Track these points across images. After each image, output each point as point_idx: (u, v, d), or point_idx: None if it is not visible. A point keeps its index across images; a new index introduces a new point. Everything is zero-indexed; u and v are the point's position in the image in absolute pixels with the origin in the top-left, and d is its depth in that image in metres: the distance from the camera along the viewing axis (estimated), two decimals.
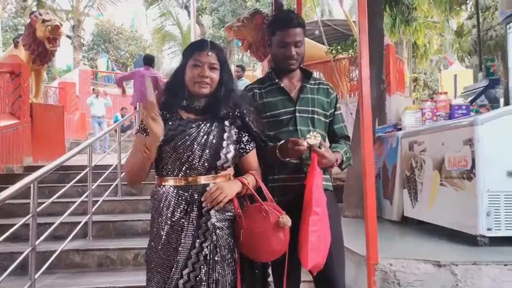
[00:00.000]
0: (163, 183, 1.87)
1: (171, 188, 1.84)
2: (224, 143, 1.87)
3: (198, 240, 1.80)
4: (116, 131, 8.52)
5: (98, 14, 25.67)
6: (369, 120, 2.73)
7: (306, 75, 2.19)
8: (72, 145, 10.28)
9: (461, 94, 6.79)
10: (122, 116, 13.07)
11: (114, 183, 5.38)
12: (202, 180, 1.83)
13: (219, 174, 1.86)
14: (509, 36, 6.65)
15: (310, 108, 2.11)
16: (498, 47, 9.80)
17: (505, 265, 2.67)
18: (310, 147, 1.94)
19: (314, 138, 1.93)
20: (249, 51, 8.80)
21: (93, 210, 4.40)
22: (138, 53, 24.78)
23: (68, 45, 22.47)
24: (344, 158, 2.11)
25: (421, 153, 4.01)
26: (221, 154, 1.85)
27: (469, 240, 3.18)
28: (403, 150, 4.38)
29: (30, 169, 6.05)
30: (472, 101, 5.23)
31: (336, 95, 2.24)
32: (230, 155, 1.87)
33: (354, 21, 10.09)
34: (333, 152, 2.06)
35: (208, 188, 1.81)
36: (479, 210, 3.12)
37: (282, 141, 1.98)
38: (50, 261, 3.48)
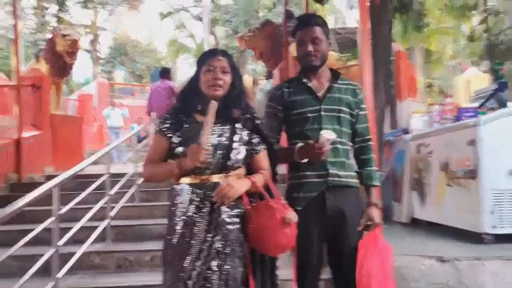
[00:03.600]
0: (179, 181, 2.02)
1: (186, 186, 1.99)
2: (235, 145, 2.01)
3: (209, 235, 1.94)
4: (131, 140, 8.81)
5: (115, 28, 26.31)
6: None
7: (335, 75, 2.27)
8: (90, 156, 10.54)
9: (472, 98, 6.85)
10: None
11: (131, 190, 5.57)
12: (215, 178, 1.97)
13: (230, 174, 2.00)
14: None
15: (336, 107, 2.18)
16: (509, 51, 9.80)
17: (507, 260, 2.75)
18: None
19: (330, 134, 2.02)
20: (261, 60, 8.99)
21: (111, 215, 4.58)
22: (153, 65, 25.24)
23: (85, 59, 23.10)
24: (375, 182, 2.22)
25: (428, 155, 4.11)
26: (232, 155, 1.99)
27: (474, 238, 3.27)
28: (411, 153, 4.48)
29: (51, 178, 6.28)
30: (481, 105, 5.30)
31: (363, 96, 2.32)
32: (240, 156, 2.01)
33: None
34: (367, 184, 2.20)
35: (203, 189, 1.96)
36: (484, 209, 3.21)
37: (300, 144, 2.09)
38: (72, 263, 3.65)
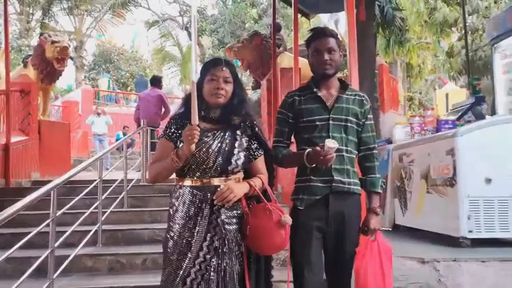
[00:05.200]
0: (181, 183, 2.15)
1: (188, 188, 2.12)
2: (235, 151, 2.14)
3: (209, 234, 2.08)
4: (118, 149, 8.86)
5: (99, 35, 26.23)
6: None
7: (343, 86, 2.37)
8: (75, 162, 10.52)
9: (450, 111, 7.15)
10: (124, 134, 13.36)
11: (121, 196, 5.65)
12: (215, 182, 2.10)
13: (230, 178, 2.13)
14: (495, 56, 7.08)
15: (344, 117, 2.28)
16: (486, 67, 10.22)
17: (483, 261, 2.96)
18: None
19: (333, 142, 2.09)
20: (248, 70, 9.17)
21: (102, 219, 4.66)
22: (138, 73, 25.24)
23: (69, 66, 22.93)
24: (378, 189, 2.33)
25: (409, 164, 4.33)
26: (232, 160, 2.13)
27: (452, 242, 3.47)
28: (393, 162, 4.70)
29: (38, 183, 6.32)
30: (459, 117, 5.58)
31: (370, 106, 2.40)
32: (240, 161, 2.15)
33: None
34: (369, 189, 2.32)
35: (219, 189, 2.09)
36: (461, 214, 3.42)
37: (309, 150, 2.17)
38: (65, 264, 3.73)
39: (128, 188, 5.74)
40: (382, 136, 7.66)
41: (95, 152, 12.91)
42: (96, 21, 24.29)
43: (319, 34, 2.35)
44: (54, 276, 3.41)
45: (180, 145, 2.08)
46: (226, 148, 2.13)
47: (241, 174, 2.20)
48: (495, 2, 11.07)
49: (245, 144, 2.19)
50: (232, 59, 9.83)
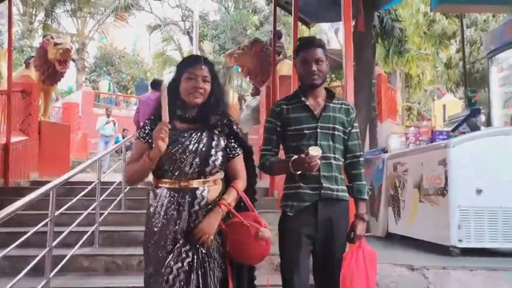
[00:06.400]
0: (159, 185, 2.11)
1: (165, 190, 2.08)
2: (213, 151, 2.10)
3: (187, 238, 2.05)
4: (116, 152, 8.91)
5: (101, 38, 26.37)
6: None
7: (330, 95, 2.42)
8: (74, 164, 10.59)
9: (445, 122, 7.24)
10: (123, 137, 13.43)
11: (118, 198, 5.71)
12: (194, 184, 2.07)
13: (208, 179, 2.10)
14: (492, 69, 7.18)
15: (331, 125, 2.32)
16: (483, 80, 10.34)
17: (471, 270, 3.02)
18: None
19: (316, 150, 2.11)
20: (248, 77, 9.28)
21: (99, 220, 4.72)
22: (139, 76, 25.37)
23: (71, 67, 23.02)
24: (364, 195, 2.39)
25: (403, 173, 4.40)
26: (210, 161, 2.09)
27: (443, 251, 3.53)
28: (388, 171, 4.76)
29: (37, 184, 6.38)
30: (454, 129, 5.66)
31: (356, 115, 2.45)
32: (218, 162, 2.11)
33: None
34: (357, 196, 2.38)
35: (197, 192, 2.06)
36: (452, 224, 3.48)
37: (294, 157, 2.20)
38: (61, 264, 3.79)
39: (125, 190, 5.81)
40: (379, 145, 7.76)
41: (97, 153, 12.95)
42: (98, 23, 24.42)
43: (307, 44, 2.38)
44: (51, 275, 3.47)
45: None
46: (204, 148, 2.10)
47: (220, 175, 2.17)
48: (493, 16, 11.22)
49: (223, 144, 2.15)
50: (232, 65, 9.96)
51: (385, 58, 10.91)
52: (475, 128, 5.73)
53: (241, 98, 13.42)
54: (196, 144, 2.09)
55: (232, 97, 18.36)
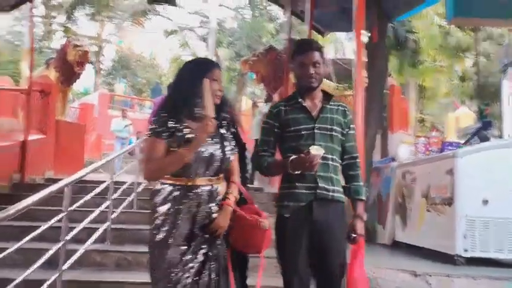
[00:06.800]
0: (164, 182, 2.18)
1: (170, 187, 2.17)
2: (227, 152, 2.24)
3: (196, 227, 2.16)
4: (130, 153, 9.07)
5: (119, 41, 26.79)
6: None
7: (327, 97, 2.46)
8: (87, 164, 10.75)
9: (457, 135, 7.27)
10: (137, 139, 13.60)
11: (131, 197, 5.83)
12: (212, 181, 2.20)
13: (220, 176, 2.24)
14: (504, 83, 7.20)
15: (329, 126, 2.36)
16: (497, 93, 10.32)
17: (474, 279, 3.06)
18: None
19: (317, 149, 2.15)
20: (262, 84, 9.38)
21: (111, 217, 4.84)
22: (154, 80, 25.68)
23: (89, 70, 23.43)
24: (362, 196, 2.43)
25: (411, 182, 4.45)
26: (225, 161, 2.23)
27: (448, 259, 3.57)
28: (396, 180, 4.81)
29: (51, 181, 6.53)
30: (466, 141, 5.69)
31: (352, 117, 2.51)
32: (229, 161, 2.27)
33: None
34: (354, 197, 2.42)
35: (213, 189, 2.20)
36: (457, 233, 3.52)
37: (293, 157, 2.23)
38: (75, 258, 3.90)
39: (138, 190, 5.93)
40: (389, 155, 7.77)
41: (112, 154, 13.12)
42: (118, 27, 24.83)
43: (305, 47, 2.42)
44: (64, 268, 3.58)
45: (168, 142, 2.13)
46: (220, 154, 2.21)
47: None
48: (509, 30, 11.18)
49: (231, 144, 2.28)
50: (247, 71, 10.08)
51: (399, 70, 10.94)
52: (485, 140, 5.76)
53: (255, 105, 13.52)
54: (215, 144, 2.20)
55: (245, 103, 18.46)
